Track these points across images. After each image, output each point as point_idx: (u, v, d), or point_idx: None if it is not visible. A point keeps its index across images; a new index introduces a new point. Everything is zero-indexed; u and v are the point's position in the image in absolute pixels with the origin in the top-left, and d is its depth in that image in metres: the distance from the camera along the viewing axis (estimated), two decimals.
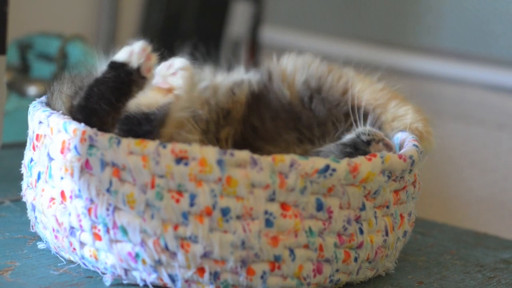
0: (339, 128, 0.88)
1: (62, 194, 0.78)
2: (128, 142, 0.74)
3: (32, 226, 0.86)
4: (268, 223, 0.74)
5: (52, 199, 0.80)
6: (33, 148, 0.83)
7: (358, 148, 0.83)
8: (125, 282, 0.77)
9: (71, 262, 0.81)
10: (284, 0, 1.76)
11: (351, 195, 0.77)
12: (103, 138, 0.75)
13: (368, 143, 0.84)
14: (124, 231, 0.75)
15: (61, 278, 0.78)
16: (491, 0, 1.52)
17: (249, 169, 0.74)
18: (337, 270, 0.78)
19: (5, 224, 0.90)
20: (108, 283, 0.77)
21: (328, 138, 0.88)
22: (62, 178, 0.78)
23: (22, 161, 0.86)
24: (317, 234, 0.76)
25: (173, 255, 0.74)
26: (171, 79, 0.79)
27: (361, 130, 0.85)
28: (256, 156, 0.74)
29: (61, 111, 0.82)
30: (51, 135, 0.79)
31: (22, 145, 0.89)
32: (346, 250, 0.78)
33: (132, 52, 0.82)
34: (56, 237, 0.80)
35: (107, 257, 0.77)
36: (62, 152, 0.78)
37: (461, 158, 1.55)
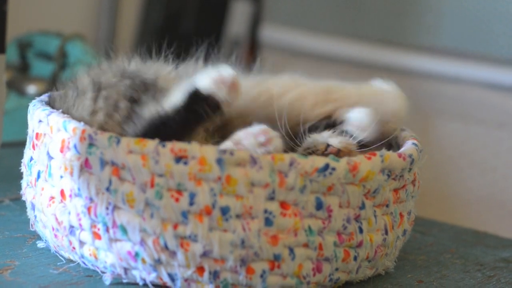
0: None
1: (62, 193, 0.78)
2: (128, 141, 0.74)
3: (31, 225, 0.86)
4: (268, 222, 0.74)
5: (52, 198, 0.80)
6: (33, 147, 0.83)
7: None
8: (124, 281, 0.77)
9: (71, 261, 0.81)
10: None
11: (351, 194, 0.77)
12: (102, 137, 0.75)
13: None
14: (124, 230, 0.75)
15: (61, 277, 0.78)
16: (491, 0, 1.52)
17: (249, 168, 0.74)
18: (336, 269, 0.78)
19: (4, 223, 0.90)
20: (107, 282, 0.77)
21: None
22: (61, 177, 0.78)
23: (22, 160, 0.86)
24: (316, 233, 0.76)
25: (173, 254, 0.74)
26: (261, 149, 0.75)
27: (305, 146, 0.81)
28: (256, 155, 0.74)
29: (82, 122, 0.78)
30: (51, 134, 0.79)
31: (21, 144, 0.89)
32: (345, 249, 0.78)
33: (220, 82, 0.76)
34: (55, 236, 0.80)
35: (106, 256, 0.77)
36: (61, 151, 0.78)
37: (461, 157, 1.55)
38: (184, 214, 0.74)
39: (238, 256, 0.74)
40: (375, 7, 1.63)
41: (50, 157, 0.80)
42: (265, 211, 0.74)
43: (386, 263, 0.84)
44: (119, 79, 0.81)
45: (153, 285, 0.76)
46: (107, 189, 0.75)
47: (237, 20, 1.80)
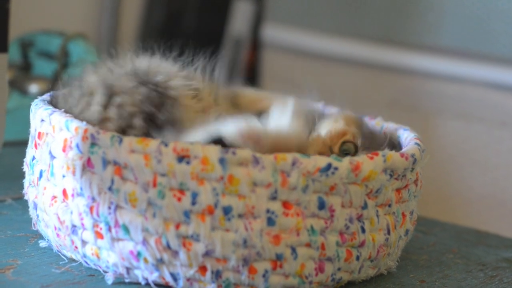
0: None
1: (64, 192, 0.78)
2: (130, 141, 0.74)
3: (33, 224, 0.86)
4: (270, 222, 0.74)
5: (54, 197, 0.80)
6: (35, 146, 0.83)
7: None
8: (127, 280, 0.77)
9: (73, 260, 0.81)
10: None
11: (353, 193, 0.77)
12: (105, 137, 0.75)
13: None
14: (126, 229, 0.75)
15: (63, 277, 0.78)
16: None
17: (251, 167, 0.74)
18: (339, 269, 0.78)
19: (6, 222, 0.90)
20: (110, 282, 0.77)
21: None
22: (64, 176, 0.78)
23: (24, 159, 0.86)
24: (319, 232, 0.76)
25: (175, 253, 0.74)
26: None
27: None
28: (258, 154, 0.74)
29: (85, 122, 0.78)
30: (53, 133, 0.79)
31: (23, 143, 0.89)
32: (348, 248, 0.78)
33: (247, 136, 0.76)
34: (58, 235, 0.80)
35: (109, 256, 0.77)
36: (64, 150, 0.78)
37: (462, 157, 1.55)
38: (187, 214, 0.74)
39: (241, 256, 0.74)
40: (376, 6, 1.63)
41: (52, 157, 0.80)
42: (268, 211, 0.74)
43: (389, 263, 0.84)
44: (134, 84, 0.81)
45: (155, 284, 0.76)
46: (109, 188, 0.75)
47: (239, 19, 1.80)
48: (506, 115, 1.51)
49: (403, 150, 0.83)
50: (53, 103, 0.86)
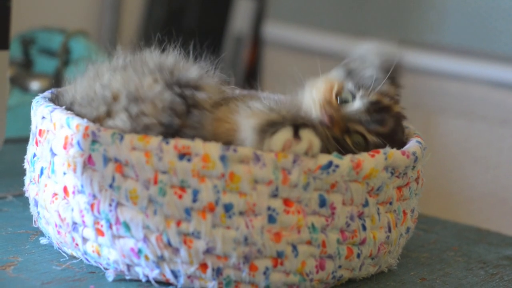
0: None
1: (65, 189, 0.78)
2: (131, 138, 0.74)
3: (34, 221, 0.86)
4: (271, 219, 0.74)
5: (55, 194, 0.80)
6: (36, 143, 0.83)
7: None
8: (127, 277, 0.77)
9: (74, 257, 0.81)
10: None
11: (354, 191, 0.77)
12: (105, 134, 0.75)
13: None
14: (127, 227, 0.75)
15: (64, 274, 0.78)
16: None
17: (252, 165, 0.73)
18: (339, 266, 0.78)
19: (7, 219, 0.90)
20: (110, 279, 0.77)
21: None
22: (64, 173, 0.78)
23: (25, 156, 0.86)
24: (320, 230, 0.76)
25: (176, 251, 0.74)
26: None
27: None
28: (259, 152, 0.74)
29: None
30: (54, 130, 0.79)
31: (24, 140, 0.89)
32: (348, 246, 0.78)
33: (289, 147, 0.75)
34: (58, 232, 0.80)
35: (109, 253, 0.77)
36: (65, 148, 0.78)
37: (464, 155, 1.55)
38: (188, 211, 0.74)
39: (241, 253, 0.74)
40: (378, 4, 1.63)
41: (53, 154, 0.80)
42: (269, 208, 0.74)
43: (389, 261, 0.84)
44: (160, 89, 0.78)
45: (156, 281, 0.76)
46: (110, 185, 0.75)
47: (240, 17, 1.80)
48: (508, 113, 1.51)
49: (405, 148, 0.83)
50: (54, 100, 0.86)
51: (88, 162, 0.76)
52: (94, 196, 0.76)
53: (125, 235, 0.75)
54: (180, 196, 0.74)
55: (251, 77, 1.77)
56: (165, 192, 0.74)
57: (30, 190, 0.84)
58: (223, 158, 0.73)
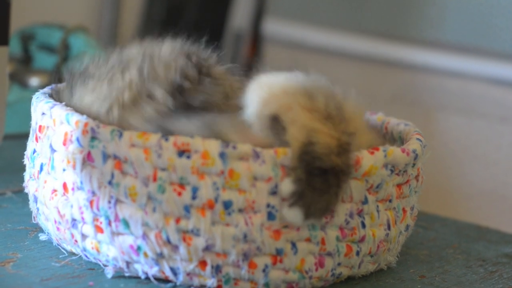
0: None
1: (64, 186, 0.78)
2: (130, 135, 0.74)
3: (34, 218, 0.86)
4: (270, 216, 0.74)
5: (54, 190, 0.80)
6: (36, 139, 0.83)
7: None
8: (126, 274, 0.77)
9: (73, 254, 0.81)
10: None
11: (354, 188, 0.77)
12: (105, 130, 0.75)
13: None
14: (126, 223, 0.75)
15: (63, 270, 0.78)
16: None
17: (252, 162, 0.73)
18: (339, 264, 0.78)
19: (6, 215, 0.90)
20: (109, 276, 0.77)
21: None
22: (64, 170, 0.78)
23: (24, 152, 0.86)
24: (319, 227, 0.76)
25: (175, 248, 0.74)
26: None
27: None
28: (258, 149, 0.73)
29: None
30: (54, 126, 0.79)
31: (24, 136, 0.89)
32: (348, 243, 0.78)
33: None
34: (58, 229, 0.80)
35: (109, 250, 0.77)
36: (64, 144, 0.78)
37: (463, 152, 1.54)
38: (187, 208, 0.74)
39: (241, 251, 0.74)
40: (378, 0, 1.63)
41: (53, 150, 0.79)
42: (268, 205, 0.74)
43: (389, 258, 0.84)
44: (175, 55, 0.79)
45: (155, 279, 0.76)
46: (110, 182, 0.75)
47: (240, 13, 1.80)
48: (508, 110, 1.51)
49: (405, 145, 0.83)
50: (54, 96, 0.86)
51: (88, 159, 0.76)
52: (93, 193, 0.76)
53: (124, 232, 0.75)
54: (180, 193, 0.73)
55: (250, 74, 1.76)
56: (164, 189, 0.74)
57: (30, 186, 0.84)
58: (222, 155, 0.73)
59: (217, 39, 1.78)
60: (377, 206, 0.79)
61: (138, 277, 0.77)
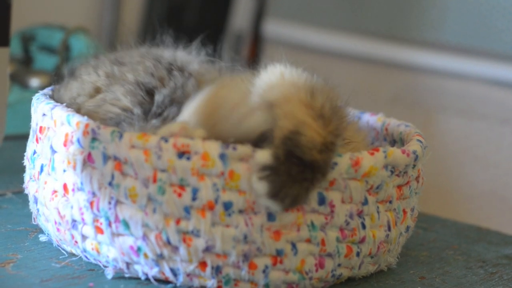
0: None
1: (65, 187, 0.78)
2: (130, 136, 0.74)
3: (34, 219, 0.86)
4: (271, 217, 0.74)
5: (55, 191, 0.80)
6: (36, 140, 0.83)
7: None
8: (127, 275, 0.77)
9: (73, 255, 0.81)
10: None
11: (353, 189, 0.77)
12: (105, 132, 0.75)
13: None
14: (126, 225, 0.75)
15: (63, 271, 0.78)
16: None
17: (252, 163, 0.73)
18: (339, 265, 0.78)
19: (7, 216, 0.90)
20: (110, 276, 0.77)
21: None
22: (64, 171, 0.78)
23: (25, 153, 0.86)
24: (319, 228, 0.76)
25: (175, 249, 0.74)
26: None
27: None
28: (258, 149, 0.73)
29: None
30: (54, 127, 0.79)
31: (24, 137, 0.89)
32: (348, 244, 0.78)
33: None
34: (58, 230, 0.80)
35: (109, 251, 0.77)
36: (65, 145, 0.78)
37: (464, 153, 1.54)
38: (187, 209, 0.74)
39: (241, 252, 0.74)
40: (378, 1, 1.63)
41: (54, 151, 0.80)
42: (268, 207, 0.74)
43: (389, 259, 0.84)
44: (140, 59, 0.83)
45: (155, 280, 0.76)
46: (110, 183, 0.75)
47: (240, 14, 1.80)
48: (508, 112, 1.51)
49: (405, 146, 0.83)
50: (55, 97, 0.86)
51: (88, 160, 0.76)
52: (94, 194, 0.76)
53: (124, 233, 0.75)
54: (180, 195, 0.73)
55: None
56: (164, 190, 0.74)
57: (30, 187, 0.84)
58: (222, 157, 0.73)
59: (218, 39, 1.78)
60: (377, 207, 0.79)
61: (138, 278, 0.77)
